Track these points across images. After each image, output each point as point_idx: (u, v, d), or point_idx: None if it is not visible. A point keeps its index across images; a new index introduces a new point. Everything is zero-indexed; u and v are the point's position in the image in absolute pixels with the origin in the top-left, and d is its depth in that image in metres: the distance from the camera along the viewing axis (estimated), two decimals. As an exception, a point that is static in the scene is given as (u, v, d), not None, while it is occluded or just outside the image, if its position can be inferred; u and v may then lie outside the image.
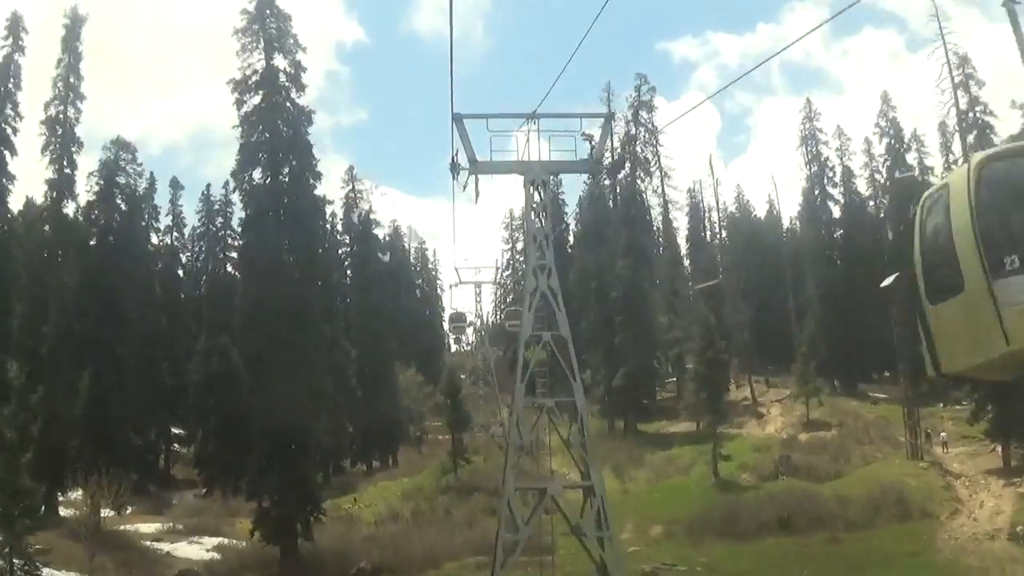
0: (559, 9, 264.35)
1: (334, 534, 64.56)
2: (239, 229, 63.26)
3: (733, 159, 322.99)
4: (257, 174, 59.86)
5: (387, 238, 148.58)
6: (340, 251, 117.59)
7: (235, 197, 63.86)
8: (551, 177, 39.86)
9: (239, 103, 60.56)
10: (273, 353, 55.75)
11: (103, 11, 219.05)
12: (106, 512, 65.15)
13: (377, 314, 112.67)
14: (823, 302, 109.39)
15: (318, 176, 61.04)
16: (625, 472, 78.68)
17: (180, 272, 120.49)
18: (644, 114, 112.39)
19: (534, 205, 39.24)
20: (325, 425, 74.05)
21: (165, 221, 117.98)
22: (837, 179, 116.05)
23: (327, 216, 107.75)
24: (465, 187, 39.08)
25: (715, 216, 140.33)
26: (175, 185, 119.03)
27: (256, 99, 60.65)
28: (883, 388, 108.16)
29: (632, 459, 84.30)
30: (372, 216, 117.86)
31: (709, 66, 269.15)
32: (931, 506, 62.34)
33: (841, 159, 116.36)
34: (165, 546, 66.38)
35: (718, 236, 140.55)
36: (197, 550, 65.68)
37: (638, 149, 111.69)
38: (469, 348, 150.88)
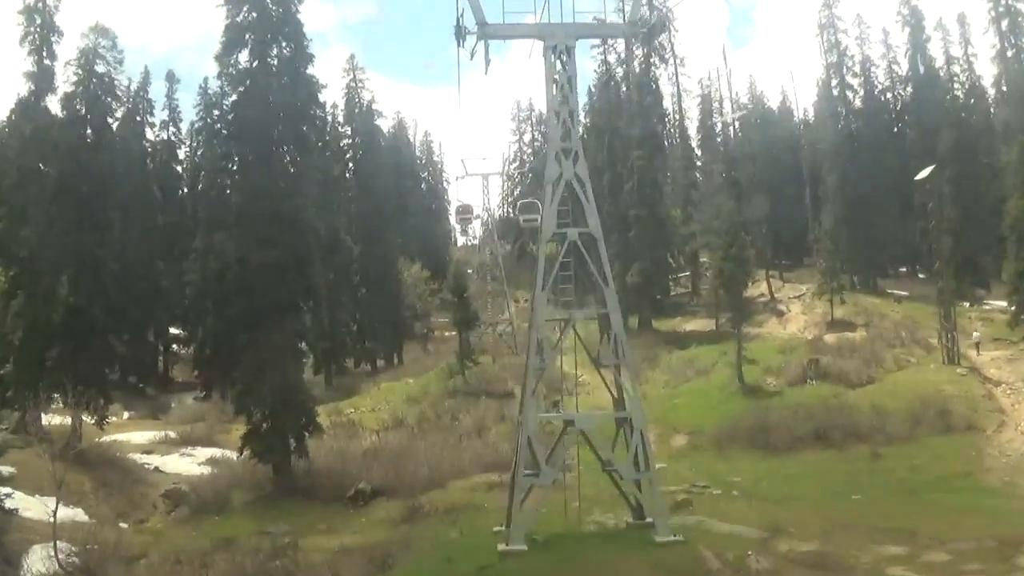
0: None
1: (332, 447, 59.00)
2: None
3: (739, 52, 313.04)
4: (244, 57, 52.70)
5: (391, 130, 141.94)
6: (342, 143, 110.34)
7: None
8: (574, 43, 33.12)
9: (221, -19, 53.56)
10: (261, 252, 49.18)
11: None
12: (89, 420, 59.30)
13: (380, 208, 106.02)
14: (841, 195, 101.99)
15: (310, 59, 53.91)
16: (642, 373, 72.46)
17: (179, 168, 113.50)
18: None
19: (556, 77, 32.87)
20: (317, 330, 68.34)
21: (161, 116, 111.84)
22: (857, 69, 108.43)
23: (327, 107, 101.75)
24: (473, 55, 32.64)
25: (727, 107, 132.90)
26: (171, 79, 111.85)
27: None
28: (900, 284, 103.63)
29: (648, 359, 78.70)
30: (374, 107, 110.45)
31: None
32: (975, 418, 55.98)
33: (861, 48, 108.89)
34: (155, 459, 60.84)
35: (732, 127, 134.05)
36: (189, 464, 60.38)
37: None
38: (476, 242, 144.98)
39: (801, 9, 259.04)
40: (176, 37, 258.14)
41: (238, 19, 52.85)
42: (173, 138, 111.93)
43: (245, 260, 50.40)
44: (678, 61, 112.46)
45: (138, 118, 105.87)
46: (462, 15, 31.70)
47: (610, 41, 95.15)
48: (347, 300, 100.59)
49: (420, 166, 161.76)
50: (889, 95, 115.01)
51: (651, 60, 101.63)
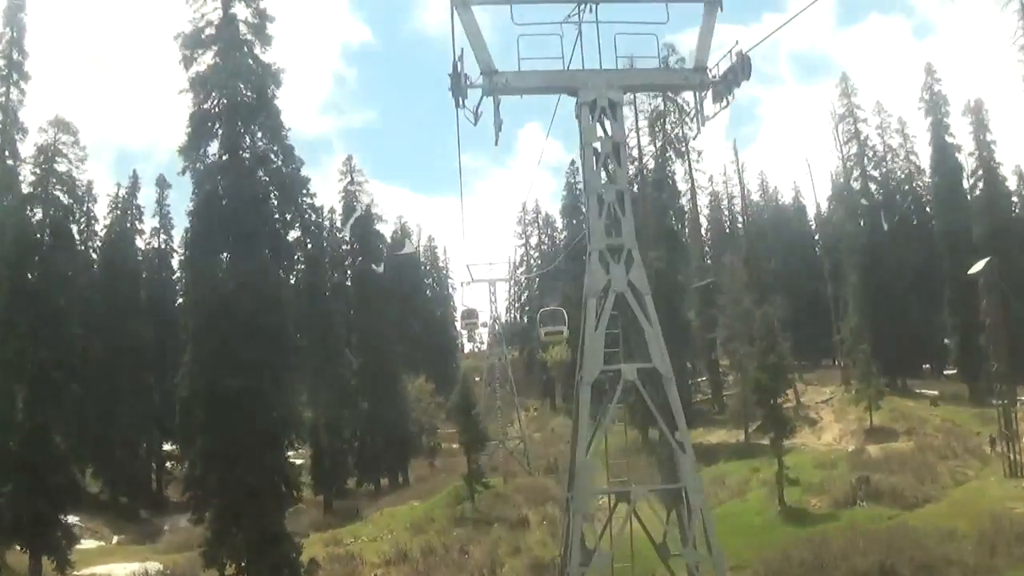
0: None
1: None
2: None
3: (745, 150, 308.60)
4: (213, 149, 44.68)
5: (394, 235, 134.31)
6: (340, 248, 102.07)
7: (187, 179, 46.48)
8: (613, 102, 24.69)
9: (188, 61, 45.77)
10: (229, 379, 40.47)
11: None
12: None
13: (382, 318, 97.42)
14: (865, 292, 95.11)
15: (290, 151, 45.76)
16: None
17: (173, 277, 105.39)
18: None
19: (596, 146, 24.75)
20: (297, 469, 59.59)
21: (152, 223, 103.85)
22: (877, 159, 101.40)
23: (323, 212, 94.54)
24: (477, 119, 24.16)
25: (738, 204, 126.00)
26: (161, 184, 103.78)
27: (209, 56, 45.72)
28: (926, 383, 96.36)
29: (674, 476, 69.39)
30: (374, 211, 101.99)
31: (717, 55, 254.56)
32: (1055, 544, 47.06)
33: (882, 137, 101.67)
34: (132, 603, 52.64)
35: (740, 224, 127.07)
36: (169, 610, 52.25)
37: (668, 126, 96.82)
38: (483, 347, 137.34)
39: (807, 105, 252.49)
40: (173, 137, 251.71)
41: (205, 106, 44.79)
42: (164, 245, 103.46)
43: (213, 386, 41.63)
44: (695, 156, 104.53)
45: (128, 225, 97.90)
46: (461, 59, 23.08)
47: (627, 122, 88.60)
48: (348, 416, 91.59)
49: (425, 272, 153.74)
50: (906, 186, 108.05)
51: (667, 154, 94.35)
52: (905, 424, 76.58)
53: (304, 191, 58.79)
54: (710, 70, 24.54)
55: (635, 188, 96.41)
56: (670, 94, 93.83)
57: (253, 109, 45.30)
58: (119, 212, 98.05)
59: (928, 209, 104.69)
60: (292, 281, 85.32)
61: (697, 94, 25.34)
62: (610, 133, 24.48)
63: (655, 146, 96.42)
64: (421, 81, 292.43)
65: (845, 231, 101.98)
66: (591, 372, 24.00)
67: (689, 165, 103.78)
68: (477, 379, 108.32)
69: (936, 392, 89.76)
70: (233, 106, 44.94)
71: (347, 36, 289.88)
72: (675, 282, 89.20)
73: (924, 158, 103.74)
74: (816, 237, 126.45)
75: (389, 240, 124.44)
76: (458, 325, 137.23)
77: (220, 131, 44.89)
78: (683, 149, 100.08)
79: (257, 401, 41.26)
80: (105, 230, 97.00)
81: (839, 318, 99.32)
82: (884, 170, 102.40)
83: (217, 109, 45.05)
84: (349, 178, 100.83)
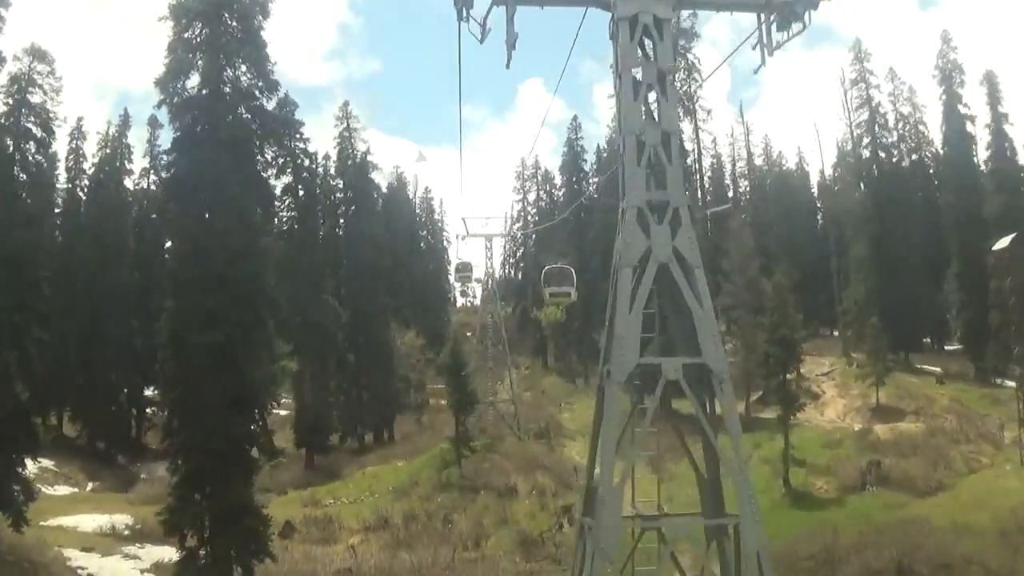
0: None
1: (301, 555, 48.37)
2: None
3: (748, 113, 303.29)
4: (193, 83, 39.97)
5: (390, 185, 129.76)
6: (333, 196, 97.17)
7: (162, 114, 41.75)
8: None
9: (167, -14, 40.86)
10: (198, 332, 36.10)
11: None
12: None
13: (373, 268, 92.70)
14: (873, 264, 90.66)
15: (274, 87, 41.14)
16: (664, 468, 59.63)
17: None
18: (683, 42, 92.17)
19: (637, 74, 20.46)
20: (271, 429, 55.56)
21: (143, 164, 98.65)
22: (890, 127, 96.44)
23: (317, 158, 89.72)
24: (485, 34, 19.66)
25: (740, 168, 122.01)
26: (153, 124, 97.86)
27: (194, -18, 41.00)
28: (927, 358, 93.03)
29: (671, 449, 65.40)
30: (369, 158, 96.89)
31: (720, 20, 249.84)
32: (1082, 542, 43.37)
33: (895, 105, 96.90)
34: (93, 560, 48.45)
35: (742, 189, 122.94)
36: (130, 570, 47.98)
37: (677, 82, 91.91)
38: (475, 302, 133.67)
39: (810, 72, 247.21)
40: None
41: (185, 35, 40.05)
42: (155, 187, 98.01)
43: (181, 340, 37.21)
44: (703, 115, 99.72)
45: (117, 164, 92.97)
46: None
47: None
48: (333, 369, 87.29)
49: (419, 224, 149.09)
50: (914, 156, 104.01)
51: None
52: (912, 403, 72.99)
53: (297, 135, 54.86)
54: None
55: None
56: (681, 43, 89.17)
57: (237, 40, 40.58)
58: (108, 151, 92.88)
59: (937, 181, 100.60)
60: (279, 227, 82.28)
61: (762, 15, 20.76)
62: (654, 58, 19.98)
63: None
64: (426, 31, 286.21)
65: (853, 198, 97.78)
66: (623, 366, 19.16)
67: (695, 124, 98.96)
68: (469, 335, 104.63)
69: (939, 369, 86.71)
70: (215, 36, 40.16)
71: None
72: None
73: (933, 128, 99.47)
74: (818, 204, 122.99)
75: (385, 190, 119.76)
76: (452, 278, 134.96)
77: (200, 62, 40.10)
78: (691, 107, 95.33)
79: (226, 359, 36.83)
80: (93, 168, 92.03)
81: (842, 287, 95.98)
82: (895, 138, 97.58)
83: (198, 39, 40.28)
84: (345, 124, 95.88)
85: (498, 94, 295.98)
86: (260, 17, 41.41)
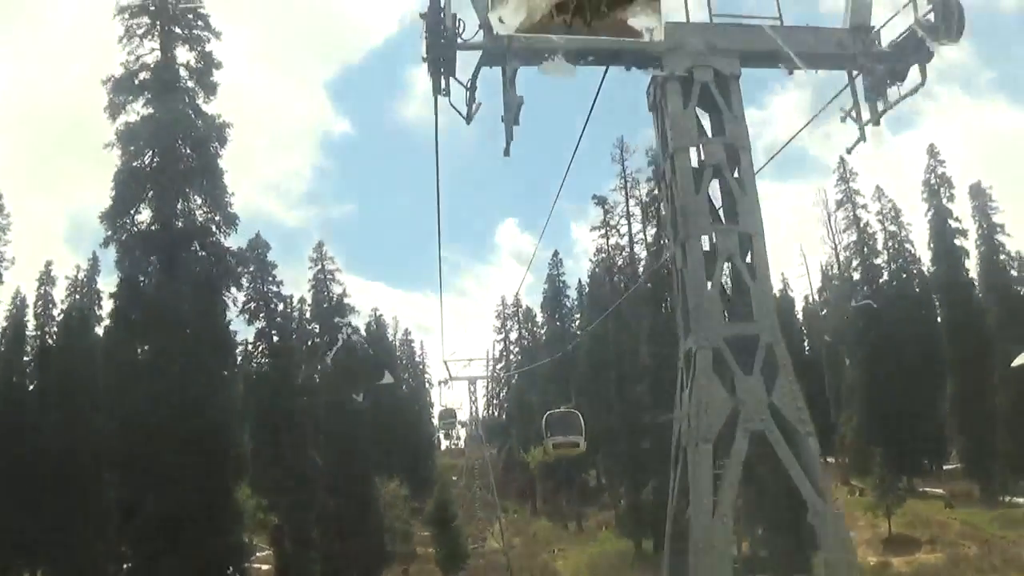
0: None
1: None
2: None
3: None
4: (144, 216, 35.43)
5: (369, 327, 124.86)
6: (308, 342, 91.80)
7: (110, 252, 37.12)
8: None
9: (115, 109, 36.75)
10: (159, 502, 30.93)
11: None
12: None
13: (353, 416, 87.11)
14: (869, 386, 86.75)
15: (232, 221, 36.51)
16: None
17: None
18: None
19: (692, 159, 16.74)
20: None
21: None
22: (879, 247, 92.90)
23: (292, 302, 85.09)
24: (472, 113, 14.74)
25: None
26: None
27: (141, 104, 36.71)
28: (928, 481, 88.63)
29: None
30: (346, 300, 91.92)
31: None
32: None
33: (883, 224, 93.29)
34: None
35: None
36: None
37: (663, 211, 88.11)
38: (459, 444, 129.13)
39: (778, 202, 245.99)
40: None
41: (134, 164, 35.76)
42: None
43: (135, 510, 32.08)
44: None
45: (85, 311, 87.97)
46: (444, 12, 13.59)
47: (617, 208, 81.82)
48: (314, 520, 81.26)
49: (401, 367, 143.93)
50: (904, 275, 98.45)
51: (662, 239, 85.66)
52: (925, 531, 68.53)
53: (270, 277, 50.64)
54: (877, 29, 15.49)
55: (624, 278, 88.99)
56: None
57: (191, 169, 36.12)
58: (76, 296, 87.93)
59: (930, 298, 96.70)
60: (253, 374, 77.56)
61: (855, 73, 16.19)
62: (720, 132, 15.57)
63: (645, 232, 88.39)
64: (400, 173, 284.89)
65: (847, 322, 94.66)
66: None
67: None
68: (455, 478, 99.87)
69: (941, 491, 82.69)
70: (167, 165, 35.71)
71: (327, 127, 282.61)
72: (672, 378, 79.73)
73: (919, 245, 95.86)
74: (804, 329, 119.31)
75: (364, 333, 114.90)
76: (435, 423, 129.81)
77: (151, 194, 35.58)
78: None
79: (188, 527, 31.53)
80: (62, 315, 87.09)
81: (837, 414, 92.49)
82: (885, 257, 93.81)
83: (149, 168, 35.82)
84: (320, 266, 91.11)
85: (475, 236, 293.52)
86: (216, 144, 37.17)
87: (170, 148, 36.23)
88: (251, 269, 76.31)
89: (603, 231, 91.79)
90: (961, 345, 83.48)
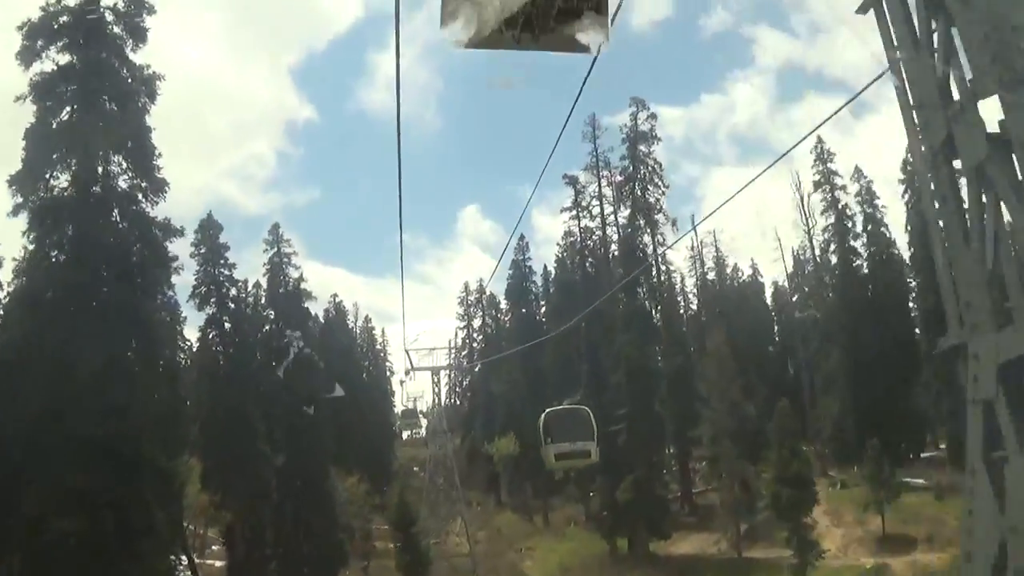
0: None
1: None
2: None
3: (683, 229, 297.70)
4: (63, 181, 29.45)
5: (328, 314, 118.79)
6: (265, 328, 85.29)
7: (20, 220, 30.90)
8: None
9: (29, 56, 30.76)
10: (66, 520, 25.03)
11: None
12: None
13: (309, 406, 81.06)
14: (845, 375, 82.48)
15: (161, 188, 30.51)
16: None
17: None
18: (643, 148, 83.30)
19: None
20: None
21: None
22: (858, 229, 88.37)
23: (247, 287, 79.44)
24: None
25: (691, 282, 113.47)
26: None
27: (58, 52, 30.75)
28: (910, 471, 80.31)
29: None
30: (303, 286, 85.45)
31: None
32: None
33: (863, 206, 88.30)
34: None
35: (694, 305, 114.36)
36: None
37: (637, 191, 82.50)
38: (421, 435, 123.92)
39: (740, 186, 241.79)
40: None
41: (51, 120, 29.86)
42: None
43: (41, 526, 26.29)
44: (671, 221, 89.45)
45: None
46: None
47: (588, 190, 76.97)
48: (269, 518, 75.35)
49: (361, 354, 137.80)
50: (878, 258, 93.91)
51: (636, 222, 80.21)
52: (919, 528, 62.89)
53: (221, 260, 44.84)
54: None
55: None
56: (640, 150, 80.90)
57: (115, 127, 30.13)
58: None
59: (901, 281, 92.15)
60: (205, 364, 72.05)
61: None
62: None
63: (617, 214, 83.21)
64: (363, 159, 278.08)
65: (822, 307, 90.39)
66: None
67: (653, 237, 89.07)
68: (416, 469, 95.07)
69: (922, 481, 76.01)
70: (87, 121, 29.71)
71: (292, 114, 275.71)
72: (647, 369, 74.66)
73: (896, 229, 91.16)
74: (774, 315, 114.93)
75: (322, 320, 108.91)
76: (397, 423, 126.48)
77: (67, 154, 29.60)
78: (655, 218, 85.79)
79: (101, 550, 25.71)
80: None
81: (813, 402, 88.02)
82: (865, 240, 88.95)
83: (66, 125, 29.83)
84: (276, 248, 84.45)
85: (437, 222, 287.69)
86: (145, 99, 31.09)
87: (91, 102, 30.27)
88: (202, 251, 70.75)
89: (574, 212, 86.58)
90: (937, 330, 77.86)
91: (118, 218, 30.43)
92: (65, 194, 29.74)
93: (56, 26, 31.99)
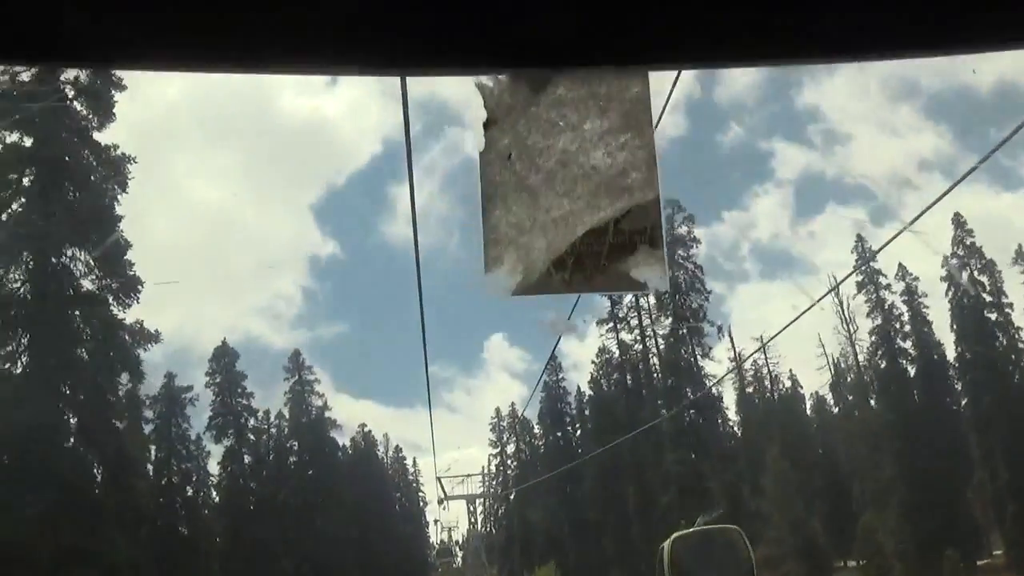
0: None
1: None
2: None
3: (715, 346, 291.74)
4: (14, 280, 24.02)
5: (357, 445, 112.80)
6: (288, 461, 79.05)
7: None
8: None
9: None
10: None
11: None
12: None
13: (338, 542, 74.73)
14: (908, 486, 74.86)
15: (133, 288, 25.05)
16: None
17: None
18: (681, 252, 77.78)
19: None
20: None
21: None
22: (907, 330, 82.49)
23: (270, 416, 74.24)
24: None
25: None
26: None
27: (6, 129, 25.58)
28: None
29: None
30: (328, 414, 79.52)
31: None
32: None
33: (909, 305, 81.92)
34: None
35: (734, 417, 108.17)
36: None
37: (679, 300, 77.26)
38: (457, 563, 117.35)
39: (766, 302, 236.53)
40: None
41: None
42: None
43: None
44: (719, 331, 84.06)
45: None
46: None
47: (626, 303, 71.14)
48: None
49: (393, 486, 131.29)
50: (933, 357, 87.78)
51: (681, 332, 74.64)
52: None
53: (238, 389, 40.15)
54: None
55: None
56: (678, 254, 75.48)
57: (77, 216, 24.63)
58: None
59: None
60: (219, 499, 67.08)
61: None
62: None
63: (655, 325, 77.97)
64: (387, 292, 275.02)
65: (868, 414, 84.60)
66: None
67: (692, 347, 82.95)
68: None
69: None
70: (42, 208, 24.24)
71: (314, 250, 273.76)
72: (703, 488, 68.13)
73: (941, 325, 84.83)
74: (815, 425, 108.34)
75: (350, 451, 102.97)
76: (432, 559, 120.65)
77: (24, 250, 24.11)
78: (700, 324, 79.87)
79: None
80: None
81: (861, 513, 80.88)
82: (914, 341, 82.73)
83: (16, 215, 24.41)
84: (296, 376, 78.34)
85: (463, 351, 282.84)
86: (114, 185, 25.67)
87: (47, 186, 24.77)
88: (217, 380, 65.35)
89: (611, 323, 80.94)
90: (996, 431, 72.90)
91: (80, 323, 24.74)
92: (18, 295, 24.23)
93: (13, 94, 26.80)
